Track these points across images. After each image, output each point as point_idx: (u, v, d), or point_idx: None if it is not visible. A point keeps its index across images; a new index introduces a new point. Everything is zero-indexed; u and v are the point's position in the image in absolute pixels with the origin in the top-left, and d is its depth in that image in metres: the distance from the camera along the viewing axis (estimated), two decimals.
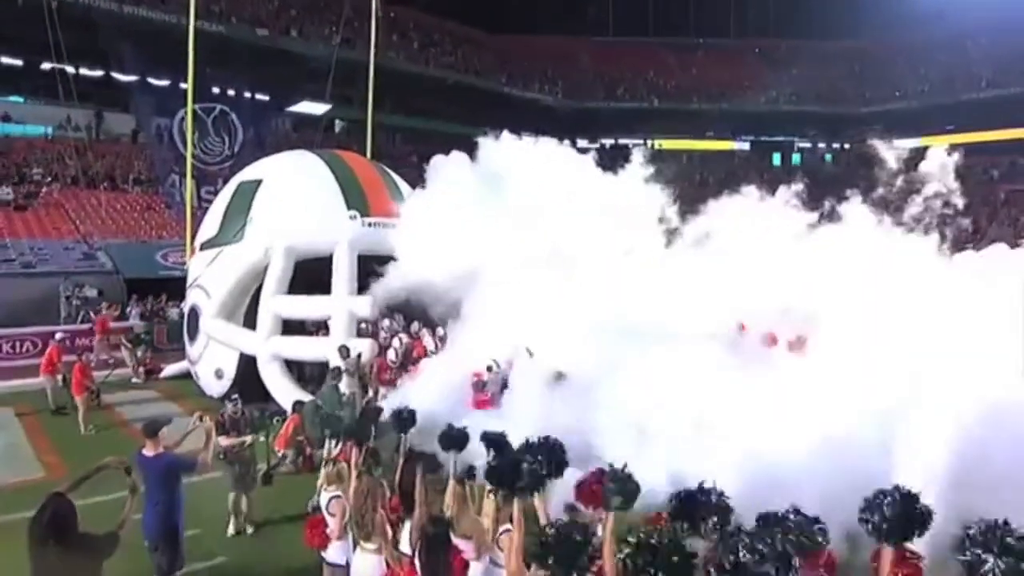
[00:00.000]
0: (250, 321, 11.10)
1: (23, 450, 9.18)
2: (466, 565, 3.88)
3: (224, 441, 6.28)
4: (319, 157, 12.32)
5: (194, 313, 11.79)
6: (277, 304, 10.83)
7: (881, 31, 40.29)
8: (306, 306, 10.98)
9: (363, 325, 10.89)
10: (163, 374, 13.42)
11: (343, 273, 10.81)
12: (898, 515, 2.81)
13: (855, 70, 42.86)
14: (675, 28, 45.53)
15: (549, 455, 3.47)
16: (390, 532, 4.09)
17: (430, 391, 7.43)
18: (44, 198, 22.78)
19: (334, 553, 4.45)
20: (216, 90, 27.51)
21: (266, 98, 32.21)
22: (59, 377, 11.29)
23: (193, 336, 11.82)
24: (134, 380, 13.13)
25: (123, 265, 19.39)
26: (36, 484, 7.86)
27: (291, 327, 11.04)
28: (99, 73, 27.60)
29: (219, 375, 11.04)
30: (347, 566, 4.37)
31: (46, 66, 24.84)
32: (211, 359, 11.30)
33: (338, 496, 4.43)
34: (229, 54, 27.43)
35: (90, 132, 28.03)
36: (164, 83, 27.08)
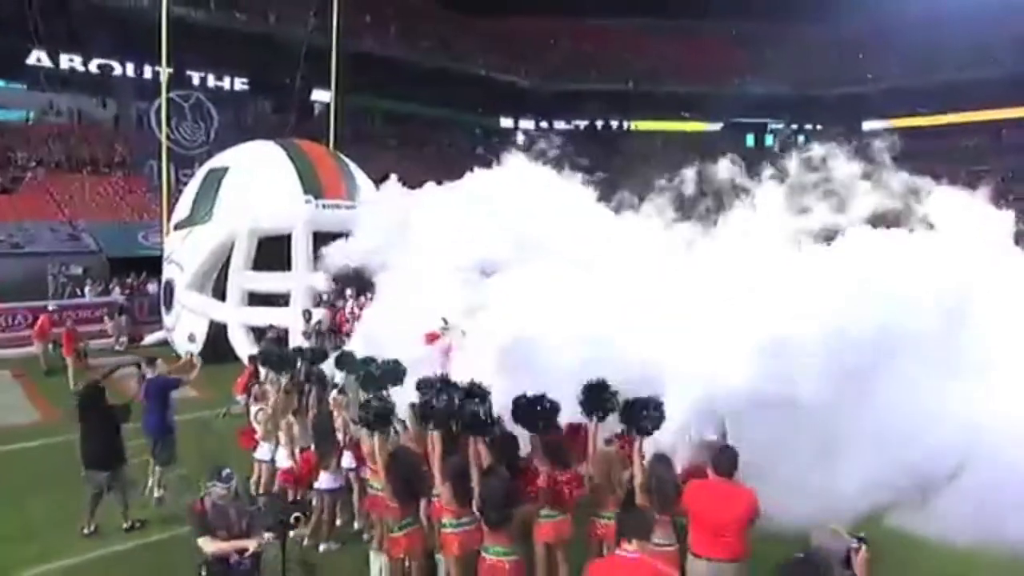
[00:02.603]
0: (219, 292, 12.53)
1: (20, 401, 10.68)
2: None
3: (208, 546, 3.85)
4: (280, 146, 13.66)
5: (169, 286, 13.22)
6: (244, 279, 12.30)
7: (855, 14, 40.99)
8: (269, 281, 12.41)
9: (324, 296, 12.21)
10: (143, 342, 14.84)
11: (301, 251, 12.21)
12: (589, 398, 4.38)
13: (828, 53, 43.55)
14: (651, 10, 45.73)
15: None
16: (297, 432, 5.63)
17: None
18: (29, 182, 23.83)
19: (261, 452, 6.00)
20: (195, 75, 28.49)
21: (245, 82, 33.21)
22: (50, 344, 12.73)
23: (169, 306, 13.26)
24: (116, 348, 14.55)
25: (106, 245, 20.68)
26: (31, 426, 9.40)
27: (257, 296, 12.43)
28: (79, 59, 28.22)
29: (191, 339, 12.50)
30: (272, 462, 5.92)
31: (32, 56, 25.66)
32: (185, 325, 12.77)
33: (263, 408, 5.95)
34: (207, 39, 28.25)
35: (71, 116, 28.94)
36: (143, 69, 27.95)
